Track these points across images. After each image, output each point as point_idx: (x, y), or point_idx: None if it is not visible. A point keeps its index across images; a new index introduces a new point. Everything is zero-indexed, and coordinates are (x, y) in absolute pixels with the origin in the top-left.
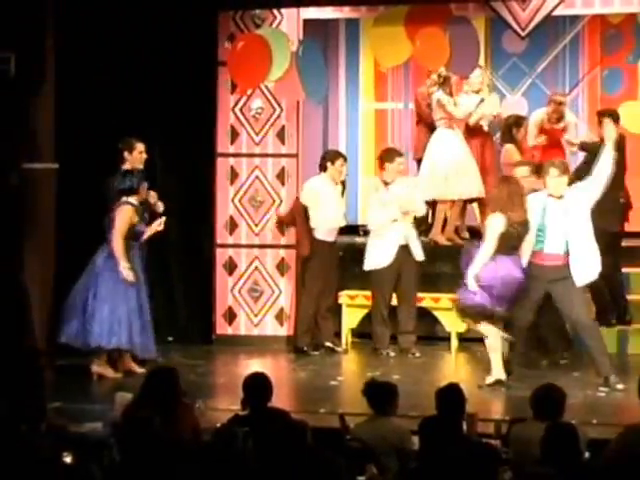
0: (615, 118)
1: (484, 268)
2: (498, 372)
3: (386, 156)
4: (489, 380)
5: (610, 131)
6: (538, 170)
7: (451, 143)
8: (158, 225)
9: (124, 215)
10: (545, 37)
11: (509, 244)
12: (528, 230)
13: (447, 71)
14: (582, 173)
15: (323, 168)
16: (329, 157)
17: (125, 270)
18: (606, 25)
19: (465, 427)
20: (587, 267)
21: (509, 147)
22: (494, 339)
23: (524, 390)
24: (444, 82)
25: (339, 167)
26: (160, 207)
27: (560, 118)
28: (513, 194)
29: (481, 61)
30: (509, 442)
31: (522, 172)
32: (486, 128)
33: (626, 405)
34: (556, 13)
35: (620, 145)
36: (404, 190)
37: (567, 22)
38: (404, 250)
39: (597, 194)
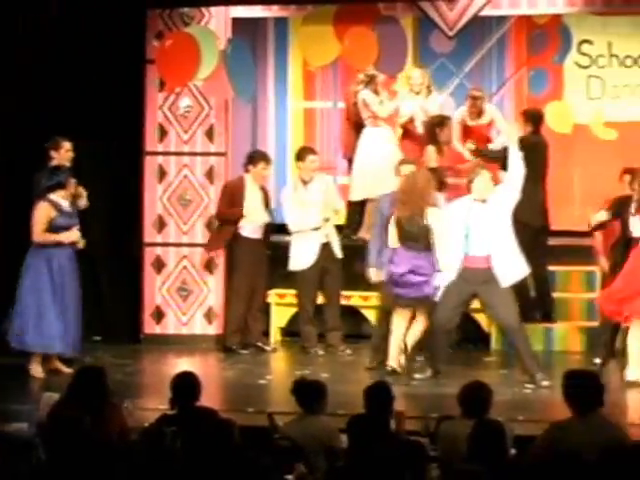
0: (532, 118)
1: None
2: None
3: (299, 155)
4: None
5: (513, 131)
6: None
7: (378, 142)
8: (73, 236)
9: (39, 212)
10: (472, 37)
11: (403, 238)
12: (416, 228)
13: (376, 70)
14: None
15: (246, 170)
16: (251, 160)
17: (66, 238)
18: (532, 26)
19: (393, 425)
20: (511, 268)
21: (429, 149)
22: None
23: (452, 388)
24: (370, 81)
25: (260, 170)
26: (82, 203)
27: (480, 113)
28: (409, 190)
29: (409, 61)
30: (437, 439)
31: (406, 171)
32: (420, 129)
33: (552, 402)
34: (483, 13)
35: (539, 144)
36: (322, 188)
37: (494, 22)
38: (326, 248)
39: (514, 198)
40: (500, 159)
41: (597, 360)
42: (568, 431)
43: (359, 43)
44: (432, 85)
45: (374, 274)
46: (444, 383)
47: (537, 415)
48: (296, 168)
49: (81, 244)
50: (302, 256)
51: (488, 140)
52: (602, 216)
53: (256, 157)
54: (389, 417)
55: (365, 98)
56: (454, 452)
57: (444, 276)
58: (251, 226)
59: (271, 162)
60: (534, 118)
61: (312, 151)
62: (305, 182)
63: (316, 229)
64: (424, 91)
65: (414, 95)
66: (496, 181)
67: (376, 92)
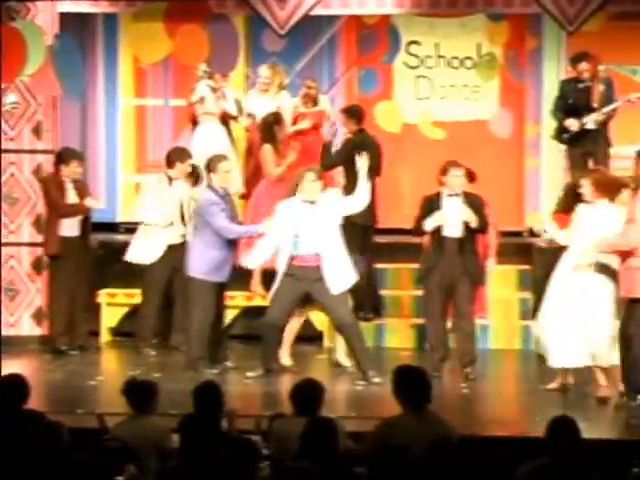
0: (354, 114)
1: None
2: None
3: (176, 155)
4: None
5: (362, 163)
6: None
7: (213, 138)
8: None
9: None
10: (303, 36)
11: None
12: None
13: (208, 68)
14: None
15: (57, 169)
16: (62, 159)
17: None
18: (362, 26)
19: (225, 423)
20: (341, 276)
21: (266, 147)
22: None
23: (284, 386)
24: (209, 77)
25: (74, 168)
26: None
27: (314, 102)
28: None
29: (241, 59)
30: (269, 438)
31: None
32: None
33: (383, 398)
34: (314, 13)
35: (368, 144)
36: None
37: (325, 22)
38: (179, 249)
39: (346, 213)
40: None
41: None
42: (398, 427)
43: (190, 41)
44: (284, 82)
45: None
46: (277, 381)
47: (369, 412)
48: (166, 165)
49: None
50: (146, 251)
51: (318, 128)
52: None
53: (67, 156)
54: (219, 416)
55: (203, 95)
56: (286, 450)
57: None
58: (68, 223)
59: (84, 159)
60: (355, 114)
61: (190, 155)
62: (172, 179)
63: (169, 226)
64: (274, 89)
65: (262, 93)
66: (327, 182)
67: (213, 89)
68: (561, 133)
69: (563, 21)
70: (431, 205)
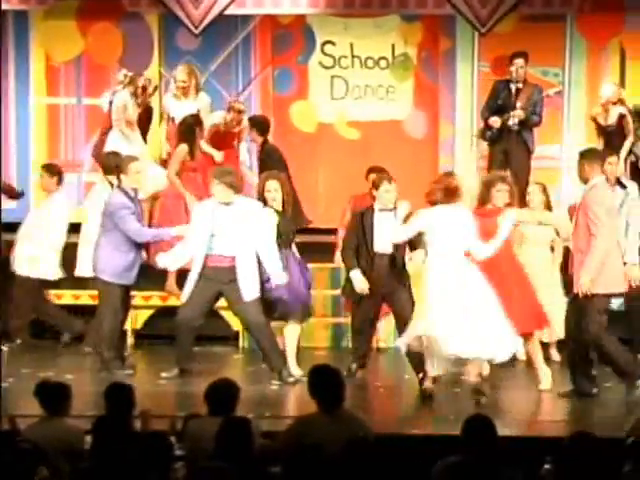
0: (258, 124)
1: None
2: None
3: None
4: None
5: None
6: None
7: (128, 142)
8: None
9: None
10: (218, 35)
11: None
12: None
13: (121, 67)
14: None
15: None
16: None
17: None
18: (276, 26)
19: (139, 424)
20: (253, 280)
21: (181, 147)
22: None
23: (200, 386)
24: (130, 83)
25: None
26: None
27: (239, 123)
28: None
29: (155, 58)
30: (184, 438)
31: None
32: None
33: (298, 397)
34: (228, 12)
35: (271, 151)
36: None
37: (239, 21)
38: None
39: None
40: None
41: None
42: (312, 426)
43: (103, 39)
44: (200, 83)
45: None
46: (192, 381)
47: (284, 411)
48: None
49: None
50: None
51: (233, 147)
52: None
53: None
54: (131, 417)
55: (125, 102)
56: (201, 450)
57: None
58: None
59: None
60: (258, 124)
61: (134, 159)
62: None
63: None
64: (192, 91)
65: (181, 97)
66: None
67: (135, 94)
68: (485, 131)
69: (475, 22)
70: (363, 222)
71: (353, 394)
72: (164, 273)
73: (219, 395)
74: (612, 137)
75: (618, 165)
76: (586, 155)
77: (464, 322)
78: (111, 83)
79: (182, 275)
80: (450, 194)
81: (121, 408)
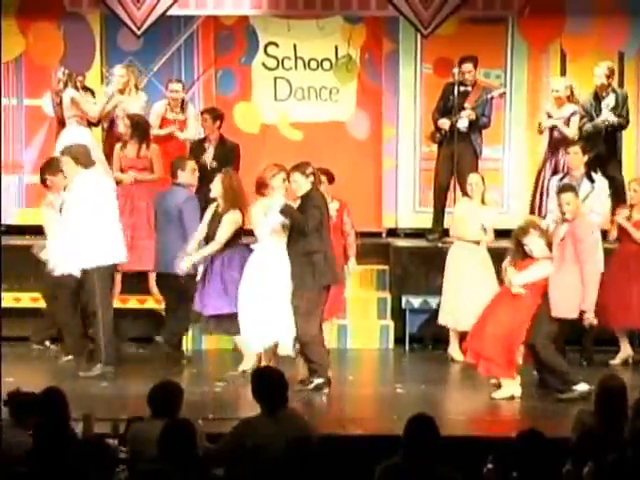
0: (215, 117)
1: None
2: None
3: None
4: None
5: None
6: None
7: (82, 140)
8: None
9: None
10: (160, 36)
11: None
12: None
13: (63, 67)
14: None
15: None
16: None
17: None
18: (219, 26)
19: (82, 428)
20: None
21: (117, 146)
22: None
23: (143, 388)
24: (68, 79)
25: None
26: None
27: (182, 107)
28: None
29: (97, 59)
30: (127, 441)
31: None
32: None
33: (242, 399)
34: (171, 13)
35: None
36: None
37: (182, 22)
38: None
39: None
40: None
41: None
42: (255, 427)
43: (44, 39)
44: (139, 83)
45: None
46: (135, 384)
47: (228, 413)
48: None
49: None
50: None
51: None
52: None
53: None
54: (68, 420)
55: (74, 97)
56: (144, 453)
57: None
58: None
59: None
60: (219, 116)
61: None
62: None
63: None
64: (132, 89)
65: (119, 94)
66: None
67: (76, 88)
68: (435, 133)
69: (418, 24)
70: None
71: (297, 395)
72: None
73: (162, 397)
74: (554, 132)
75: (578, 155)
76: (568, 188)
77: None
78: (52, 83)
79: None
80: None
81: (57, 412)
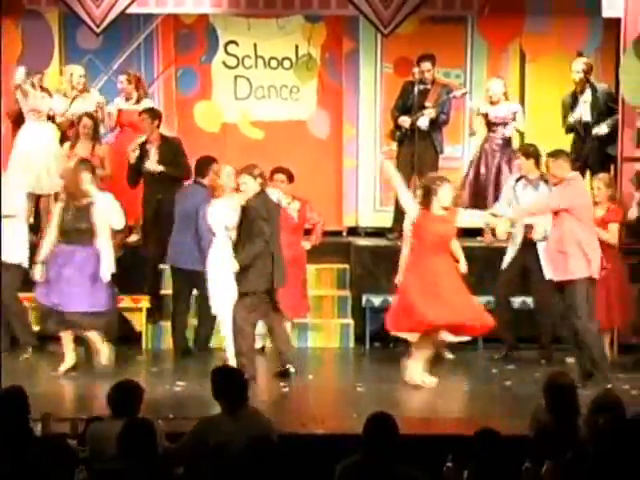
0: (153, 117)
1: None
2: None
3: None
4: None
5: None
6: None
7: (38, 136)
8: None
9: None
10: (120, 34)
11: None
12: None
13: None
14: None
15: None
16: None
17: None
18: (179, 25)
19: (40, 427)
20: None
21: (65, 145)
22: None
23: (102, 387)
24: (26, 79)
25: None
26: None
27: (139, 99)
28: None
29: (55, 57)
30: (86, 441)
31: None
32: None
33: (203, 398)
34: (130, 11)
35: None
36: None
37: (142, 20)
38: None
39: None
40: None
41: None
42: (215, 426)
43: (2, 37)
44: (87, 82)
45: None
46: (94, 383)
47: (188, 412)
48: None
49: None
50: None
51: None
52: None
53: None
54: (28, 420)
55: (26, 89)
56: (103, 453)
57: None
58: None
59: None
60: (157, 115)
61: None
62: None
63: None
64: (82, 88)
65: (72, 92)
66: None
67: (33, 86)
68: (395, 131)
69: (378, 24)
70: None
71: (256, 394)
72: None
73: (122, 397)
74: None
75: (523, 160)
76: (560, 154)
77: None
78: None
79: None
80: None
81: (16, 413)
